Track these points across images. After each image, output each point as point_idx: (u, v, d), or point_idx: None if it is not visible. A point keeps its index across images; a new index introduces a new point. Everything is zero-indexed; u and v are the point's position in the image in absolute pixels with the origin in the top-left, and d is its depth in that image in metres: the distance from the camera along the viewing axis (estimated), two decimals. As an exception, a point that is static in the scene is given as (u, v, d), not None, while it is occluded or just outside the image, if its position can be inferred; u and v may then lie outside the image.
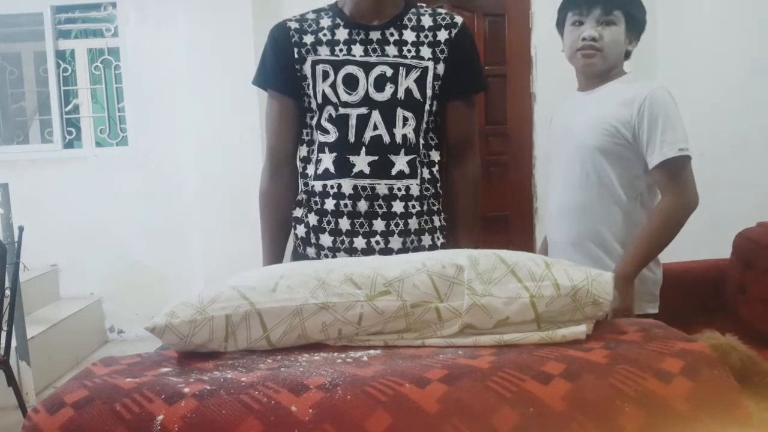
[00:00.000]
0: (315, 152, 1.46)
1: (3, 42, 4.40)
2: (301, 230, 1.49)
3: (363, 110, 1.40)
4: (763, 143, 2.53)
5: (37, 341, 3.15)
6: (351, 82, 1.41)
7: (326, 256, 1.45)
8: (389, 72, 1.40)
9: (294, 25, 1.46)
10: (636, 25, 1.65)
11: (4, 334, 2.56)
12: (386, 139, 1.40)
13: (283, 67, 1.46)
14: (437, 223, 1.48)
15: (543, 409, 0.74)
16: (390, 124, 1.40)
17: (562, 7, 1.70)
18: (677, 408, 0.75)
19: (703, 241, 2.89)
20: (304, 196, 1.48)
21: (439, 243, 1.47)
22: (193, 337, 0.91)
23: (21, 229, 2.79)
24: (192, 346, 0.92)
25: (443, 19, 1.45)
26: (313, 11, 1.50)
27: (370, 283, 0.94)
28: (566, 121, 1.75)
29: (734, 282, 2.31)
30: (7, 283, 2.58)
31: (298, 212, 1.49)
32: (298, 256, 1.53)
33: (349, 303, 0.92)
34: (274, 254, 1.54)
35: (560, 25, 1.72)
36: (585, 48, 1.62)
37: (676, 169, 1.55)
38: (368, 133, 1.40)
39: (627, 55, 1.69)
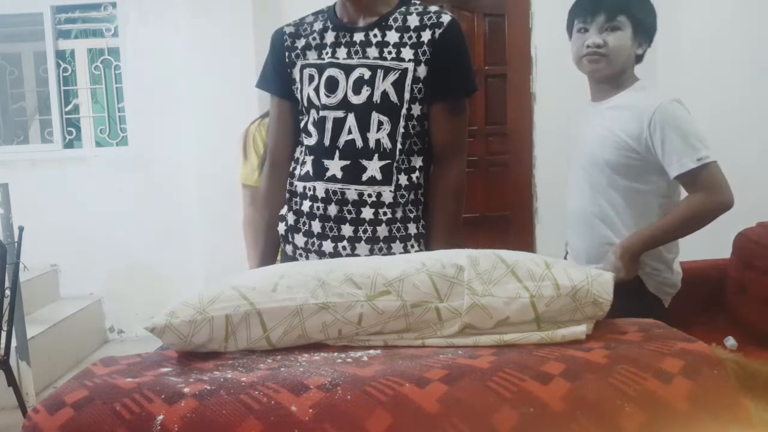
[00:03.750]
0: (302, 154, 1.47)
1: (3, 42, 4.40)
2: (281, 227, 1.51)
3: (340, 113, 1.39)
4: (763, 143, 2.53)
5: (37, 341, 3.15)
6: (331, 85, 1.40)
7: (300, 255, 1.46)
8: (367, 74, 1.38)
9: (289, 29, 1.48)
10: (644, 29, 1.63)
11: (4, 334, 2.56)
12: (359, 143, 1.38)
13: (279, 71, 1.48)
14: (412, 231, 1.42)
15: (543, 409, 0.74)
16: (364, 128, 1.38)
17: (570, 12, 1.69)
18: (677, 408, 0.75)
19: (703, 241, 2.88)
20: (288, 195, 1.50)
21: (412, 251, 1.40)
22: (193, 337, 0.91)
23: (21, 229, 2.79)
24: (192, 346, 0.92)
25: (430, 18, 1.39)
26: (313, 14, 1.50)
27: (370, 283, 0.94)
28: (580, 131, 1.75)
29: (734, 282, 2.31)
30: (7, 283, 2.58)
31: (283, 210, 1.52)
32: (283, 253, 1.55)
33: (349, 303, 0.92)
34: (267, 252, 1.55)
35: (569, 29, 1.71)
36: (589, 54, 1.61)
37: (701, 176, 1.54)
38: (343, 137, 1.39)
39: (638, 58, 1.67)
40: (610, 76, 1.64)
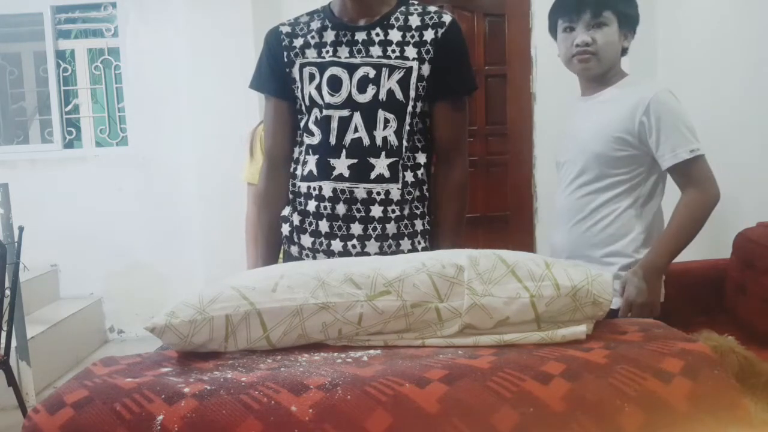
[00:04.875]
0: (303, 154, 1.47)
1: (3, 42, 4.40)
2: (286, 229, 1.50)
3: (345, 112, 1.40)
4: (763, 143, 2.52)
5: (37, 341, 3.15)
6: (335, 84, 1.41)
7: (307, 256, 1.46)
8: (372, 73, 1.39)
9: (286, 29, 1.48)
10: (629, 21, 1.64)
11: (4, 334, 2.56)
12: (366, 141, 1.39)
13: (275, 70, 1.48)
14: (419, 227, 1.44)
15: (543, 409, 0.74)
16: (371, 127, 1.39)
17: (552, 12, 1.69)
18: (677, 408, 0.75)
19: (703, 241, 2.88)
20: (291, 196, 1.50)
21: (419, 248, 1.43)
22: (193, 337, 0.91)
23: (21, 229, 2.79)
24: (192, 346, 0.92)
25: (431, 18, 1.41)
26: (308, 14, 1.51)
27: (370, 283, 0.94)
28: (571, 127, 1.75)
29: (734, 282, 2.30)
30: (7, 283, 2.58)
31: (286, 211, 1.51)
32: (285, 253, 1.54)
33: (349, 303, 0.92)
34: (269, 253, 1.55)
35: (552, 30, 1.71)
36: (579, 53, 1.61)
37: (692, 169, 1.55)
38: (349, 136, 1.40)
39: (624, 51, 1.68)
40: (600, 74, 1.65)
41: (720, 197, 1.59)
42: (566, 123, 1.81)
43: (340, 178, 1.40)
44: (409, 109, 1.40)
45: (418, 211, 1.45)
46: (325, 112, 1.41)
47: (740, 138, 2.67)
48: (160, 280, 3.91)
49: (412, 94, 1.39)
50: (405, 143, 1.41)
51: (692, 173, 1.56)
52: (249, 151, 2.21)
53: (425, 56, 1.39)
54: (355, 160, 1.39)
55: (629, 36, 1.66)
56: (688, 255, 2.58)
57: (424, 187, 1.46)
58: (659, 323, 0.99)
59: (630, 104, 1.58)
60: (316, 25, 1.46)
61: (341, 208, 1.40)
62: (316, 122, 1.43)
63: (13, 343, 2.73)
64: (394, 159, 1.40)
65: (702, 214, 1.58)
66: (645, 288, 1.53)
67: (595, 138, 1.63)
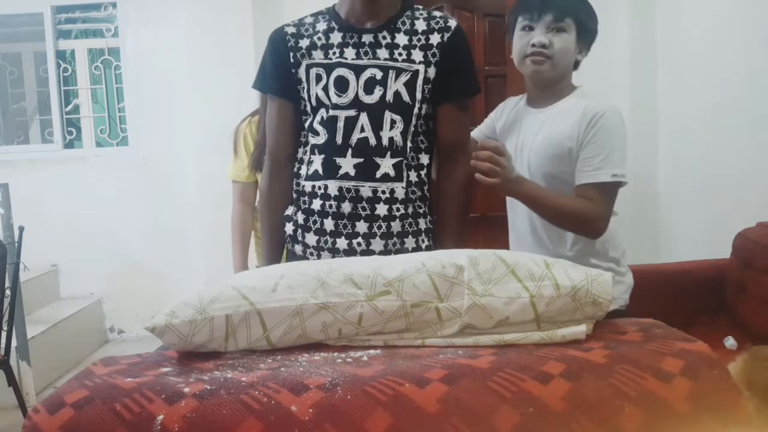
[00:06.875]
0: (308, 153, 1.48)
1: (3, 42, 4.40)
2: (289, 228, 1.51)
3: (351, 112, 1.42)
4: (763, 144, 2.53)
5: (37, 341, 3.15)
6: (341, 85, 1.42)
7: (311, 254, 1.47)
8: (379, 75, 1.41)
9: (291, 30, 1.49)
10: (587, 35, 1.58)
11: (4, 334, 2.56)
12: (372, 141, 1.41)
13: (280, 71, 1.49)
14: (422, 226, 1.47)
15: (543, 409, 0.74)
16: (377, 127, 1.41)
17: (513, 11, 1.62)
18: (677, 408, 0.75)
19: (703, 241, 2.88)
20: (295, 195, 1.51)
21: (423, 246, 1.46)
22: (193, 337, 0.91)
23: (21, 229, 2.79)
24: (192, 346, 0.93)
25: (437, 22, 1.45)
26: (312, 15, 1.52)
27: (370, 283, 0.94)
28: (519, 139, 1.64)
29: (734, 282, 2.31)
30: (7, 283, 2.58)
31: (289, 210, 1.52)
32: (289, 252, 1.55)
33: (349, 303, 0.92)
34: (272, 253, 1.56)
35: (511, 30, 1.63)
36: (534, 54, 1.54)
37: (605, 188, 1.46)
38: (355, 136, 1.41)
39: (576, 65, 1.62)
40: (551, 80, 1.58)
41: (601, 232, 1.48)
42: (511, 131, 1.68)
43: (345, 176, 1.42)
44: (415, 110, 1.43)
45: (421, 210, 1.48)
46: (331, 112, 1.43)
47: (740, 138, 2.67)
48: (160, 280, 3.91)
49: (418, 96, 1.42)
50: (409, 144, 1.43)
51: (603, 194, 1.45)
52: (233, 148, 2.21)
53: (431, 59, 1.42)
54: (361, 159, 1.41)
55: (584, 51, 1.60)
56: (689, 255, 2.59)
57: (426, 188, 1.49)
58: (659, 323, 0.99)
59: (578, 116, 1.50)
60: (322, 26, 1.47)
61: (346, 207, 1.42)
62: (322, 122, 1.44)
63: (13, 343, 2.74)
64: (399, 159, 1.42)
65: (577, 219, 1.47)
66: (515, 174, 1.41)
67: (543, 154, 1.55)
